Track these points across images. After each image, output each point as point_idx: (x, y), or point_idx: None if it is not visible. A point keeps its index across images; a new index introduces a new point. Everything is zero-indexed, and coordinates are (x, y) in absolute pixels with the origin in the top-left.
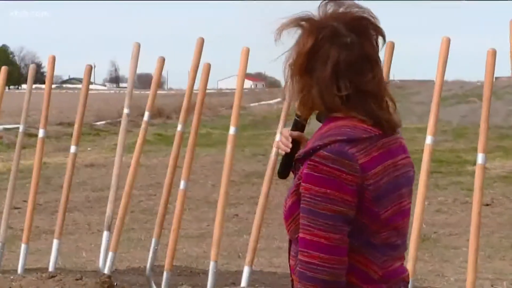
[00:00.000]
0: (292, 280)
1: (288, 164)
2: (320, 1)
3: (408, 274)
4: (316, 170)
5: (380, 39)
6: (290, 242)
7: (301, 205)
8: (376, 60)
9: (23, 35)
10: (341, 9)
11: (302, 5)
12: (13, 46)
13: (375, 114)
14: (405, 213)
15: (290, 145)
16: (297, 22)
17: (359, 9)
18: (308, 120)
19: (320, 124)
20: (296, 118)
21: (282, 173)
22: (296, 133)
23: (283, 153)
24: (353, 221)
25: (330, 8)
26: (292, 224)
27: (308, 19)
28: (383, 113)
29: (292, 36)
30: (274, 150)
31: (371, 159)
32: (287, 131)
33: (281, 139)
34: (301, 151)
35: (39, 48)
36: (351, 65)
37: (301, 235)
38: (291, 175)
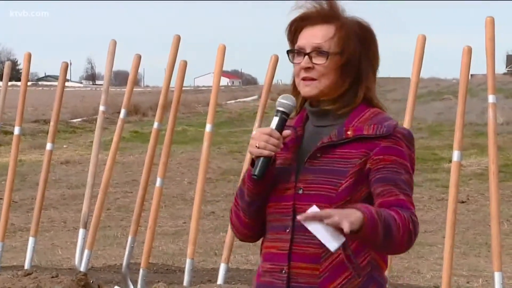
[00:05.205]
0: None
1: (267, 165)
2: None
3: None
4: (399, 144)
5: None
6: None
7: (384, 174)
8: None
9: None
10: (356, 15)
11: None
12: None
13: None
14: None
15: (281, 146)
16: (331, 17)
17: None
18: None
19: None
20: (284, 116)
21: (263, 175)
22: (288, 132)
23: (266, 153)
24: None
25: (344, 10)
26: (346, 204)
27: (342, 18)
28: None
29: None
30: (256, 151)
31: None
32: (273, 130)
33: (269, 141)
34: (383, 128)
35: (14, 45)
36: (377, 66)
37: (398, 197)
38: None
